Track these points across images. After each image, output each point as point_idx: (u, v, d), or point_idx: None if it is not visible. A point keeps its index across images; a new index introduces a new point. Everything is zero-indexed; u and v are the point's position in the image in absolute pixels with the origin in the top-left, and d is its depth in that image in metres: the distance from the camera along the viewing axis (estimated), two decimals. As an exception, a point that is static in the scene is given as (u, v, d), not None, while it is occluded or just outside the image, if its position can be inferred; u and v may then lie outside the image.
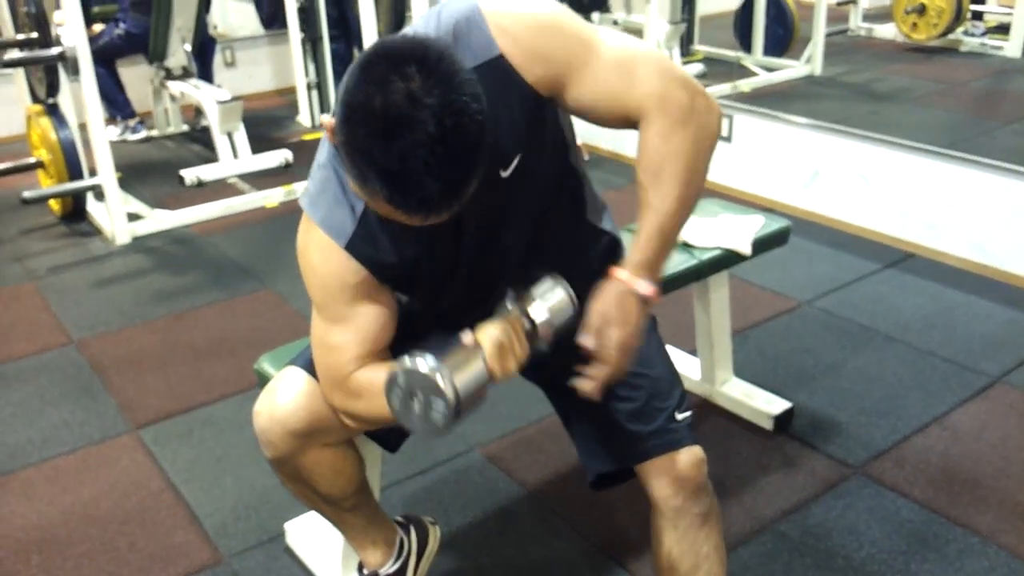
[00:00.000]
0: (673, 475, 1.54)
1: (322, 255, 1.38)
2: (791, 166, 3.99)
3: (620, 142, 4.59)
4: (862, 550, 2.07)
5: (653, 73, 1.32)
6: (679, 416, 1.56)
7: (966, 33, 6.34)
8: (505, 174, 1.34)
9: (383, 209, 1.20)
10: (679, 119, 1.31)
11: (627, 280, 1.34)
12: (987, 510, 2.17)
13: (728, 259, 2.33)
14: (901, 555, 2.05)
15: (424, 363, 1.25)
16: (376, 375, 1.39)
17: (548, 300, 1.41)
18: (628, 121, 1.34)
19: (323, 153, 1.38)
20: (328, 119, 1.21)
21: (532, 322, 1.40)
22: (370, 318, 1.42)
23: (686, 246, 2.31)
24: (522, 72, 1.30)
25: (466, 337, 1.34)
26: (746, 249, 2.31)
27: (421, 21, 1.33)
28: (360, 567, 1.83)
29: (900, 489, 2.25)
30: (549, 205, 1.49)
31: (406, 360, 1.26)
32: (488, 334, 1.35)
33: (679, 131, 1.31)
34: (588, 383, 1.37)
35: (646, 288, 1.34)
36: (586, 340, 1.35)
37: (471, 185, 1.17)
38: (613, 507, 2.19)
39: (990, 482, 2.27)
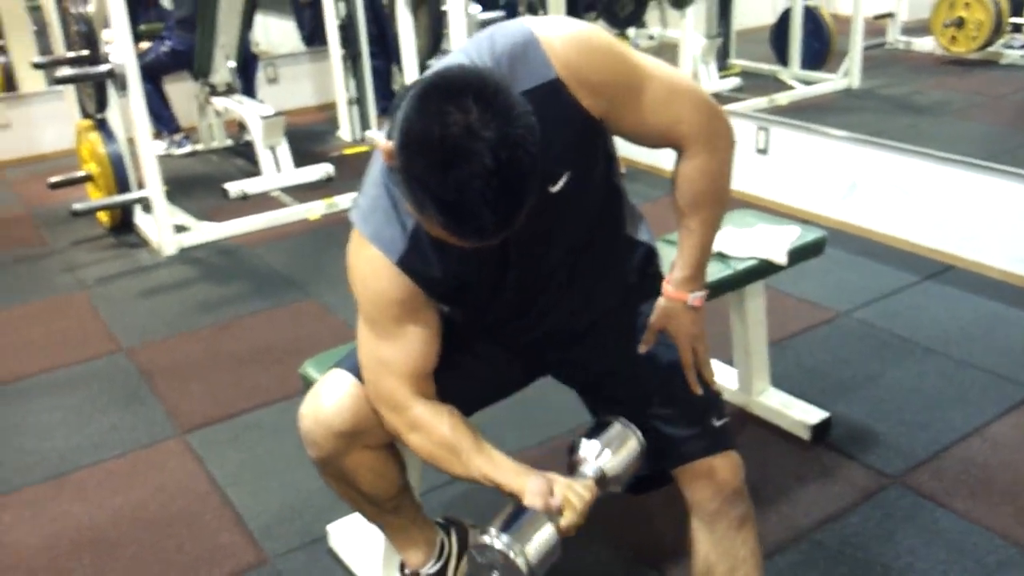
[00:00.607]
0: (711, 479, 1.56)
1: (373, 270, 1.42)
2: (828, 178, 4.00)
3: (657, 156, 4.61)
4: (900, 559, 2.07)
5: (695, 106, 1.46)
6: (716, 423, 1.59)
7: (1006, 46, 6.28)
8: (554, 190, 1.38)
9: (437, 232, 1.24)
10: (714, 150, 1.48)
11: (676, 296, 1.56)
12: (1027, 521, 2.17)
13: (764, 269, 2.35)
14: (940, 565, 2.05)
15: (499, 541, 1.33)
16: (437, 422, 1.49)
17: (620, 454, 1.48)
18: (666, 145, 1.50)
19: (375, 170, 1.42)
20: (385, 141, 1.24)
21: (603, 473, 1.46)
22: (420, 336, 1.47)
23: (722, 256, 2.33)
24: (577, 95, 1.35)
25: (548, 501, 1.39)
26: (782, 259, 2.33)
27: (472, 46, 1.36)
28: (402, 567, 1.86)
29: (939, 499, 2.25)
30: (594, 220, 1.53)
31: (484, 537, 1.35)
32: (560, 499, 1.40)
33: (713, 162, 1.49)
34: (690, 376, 1.60)
35: (698, 301, 1.56)
36: (643, 346, 1.60)
37: (524, 213, 1.21)
38: (649, 513, 2.21)
39: (1030, 493, 2.26)
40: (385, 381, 1.50)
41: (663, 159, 4.55)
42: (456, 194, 1.15)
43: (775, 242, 2.36)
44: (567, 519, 1.39)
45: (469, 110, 1.14)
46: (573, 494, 1.41)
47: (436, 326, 1.50)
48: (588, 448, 1.47)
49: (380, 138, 1.29)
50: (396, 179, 1.23)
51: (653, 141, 1.48)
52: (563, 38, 1.35)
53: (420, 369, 1.49)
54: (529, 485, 1.40)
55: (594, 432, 1.49)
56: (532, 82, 1.31)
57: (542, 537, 1.36)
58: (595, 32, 1.39)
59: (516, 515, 1.38)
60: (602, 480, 1.44)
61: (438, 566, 1.83)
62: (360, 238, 1.43)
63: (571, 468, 1.47)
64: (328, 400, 1.58)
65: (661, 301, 1.57)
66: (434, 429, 1.49)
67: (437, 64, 1.38)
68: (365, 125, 5.72)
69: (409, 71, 4.47)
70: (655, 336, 1.60)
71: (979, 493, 2.27)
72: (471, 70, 1.21)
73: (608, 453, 1.46)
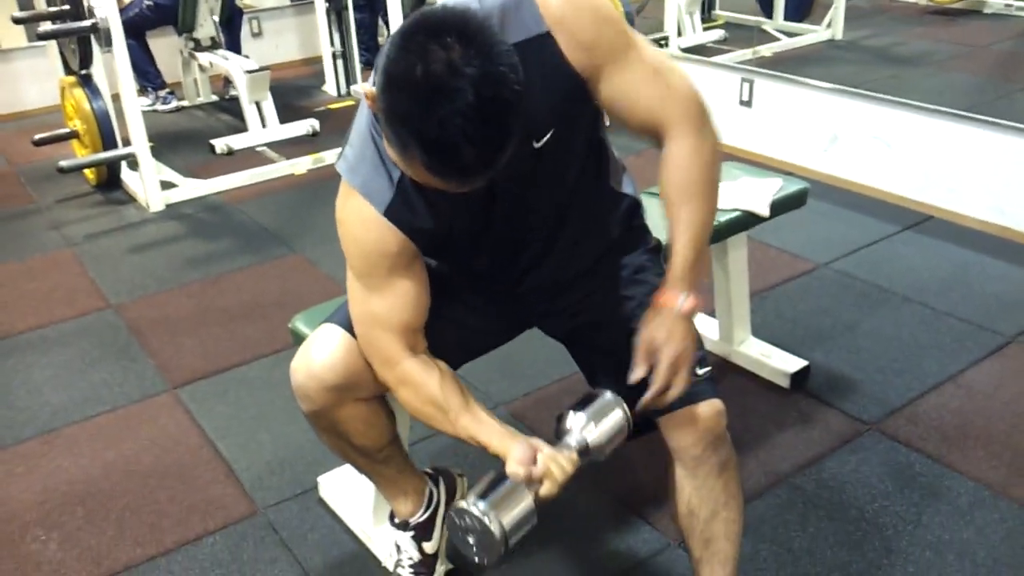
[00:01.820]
0: (694, 426, 1.58)
1: (363, 223, 1.44)
2: (811, 130, 4.02)
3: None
4: (875, 502, 2.13)
5: (683, 90, 1.44)
6: (700, 371, 1.61)
7: (990, -5, 6.29)
8: (538, 145, 1.40)
9: (421, 176, 1.25)
10: (701, 141, 1.45)
11: (669, 303, 1.45)
12: (1000, 465, 2.23)
13: (746, 221, 2.38)
14: (913, 507, 2.11)
15: (476, 508, 1.37)
16: (427, 380, 1.51)
17: (605, 427, 1.48)
18: (650, 128, 1.45)
19: (362, 120, 1.43)
20: (368, 87, 1.26)
21: (587, 445, 1.47)
22: (409, 289, 1.49)
23: (704, 209, 2.36)
24: (567, 52, 1.36)
25: (529, 470, 1.40)
26: (764, 211, 2.37)
27: None
28: (391, 516, 1.91)
29: (913, 444, 2.31)
30: (577, 174, 1.55)
31: (463, 502, 1.39)
32: (542, 470, 1.41)
33: (701, 152, 1.45)
34: (657, 399, 1.46)
35: (689, 304, 1.45)
36: (637, 372, 1.45)
37: (507, 153, 1.22)
38: (632, 460, 2.26)
39: (1003, 438, 2.32)
40: (376, 334, 1.52)
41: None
42: (438, 130, 1.15)
43: (758, 194, 2.39)
44: (546, 489, 1.41)
45: (451, 48, 1.14)
46: (555, 465, 1.42)
47: (424, 280, 1.52)
48: (575, 419, 1.48)
49: (366, 88, 1.30)
50: (380, 122, 1.24)
51: (637, 116, 1.45)
52: None
53: (410, 322, 1.51)
54: (513, 451, 1.41)
55: (582, 404, 1.51)
56: (522, 35, 1.31)
57: (519, 506, 1.39)
58: None
59: (496, 483, 1.41)
60: (585, 451, 1.47)
61: (427, 515, 1.88)
62: (348, 189, 1.45)
63: (557, 435, 1.50)
64: (319, 355, 1.61)
65: (649, 313, 1.47)
66: (424, 386, 1.52)
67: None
68: (350, 79, 5.69)
69: (395, 24, 4.44)
70: (645, 360, 1.45)
71: (953, 438, 2.33)
72: (453, 9, 1.21)
73: (593, 426, 1.48)
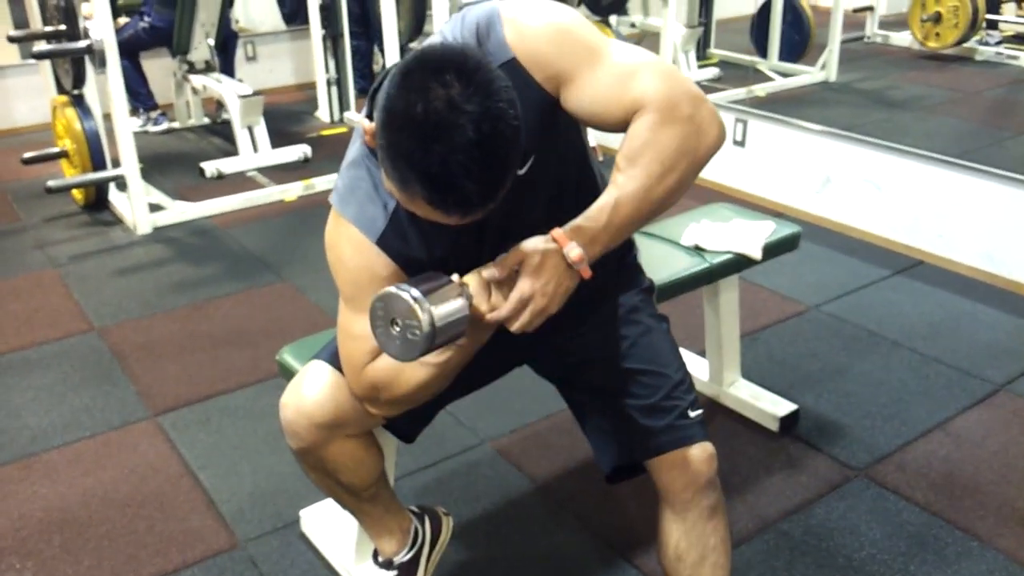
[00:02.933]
0: (685, 469, 1.58)
1: (354, 249, 1.43)
2: (804, 171, 4.03)
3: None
4: (863, 551, 2.11)
5: (655, 76, 1.32)
6: (692, 414, 1.61)
7: (981, 42, 6.35)
8: (521, 172, 1.39)
9: (422, 210, 1.24)
10: (672, 118, 1.30)
11: (559, 238, 1.32)
12: (987, 515, 2.21)
13: (739, 263, 2.37)
14: (901, 556, 2.09)
15: (407, 292, 1.28)
16: (388, 360, 1.41)
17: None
18: (625, 123, 1.34)
19: (354, 151, 1.43)
20: (366, 122, 1.26)
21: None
22: None
23: (698, 249, 2.36)
24: (532, 74, 1.35)
25: (455, 277, 1.36)
26: (757, 254, 2.36)
27: (448, 25, 1.39)
28: (375, 555, 1.88)
29: (902, 492, 2.30)
30: (565, 204, 1.53)
31: (391, 288, 1.29)
32: (476, 275, 1.37)
33: (668, 127, 1.30)
34: (487, 305, 1.36)
35: (576, 254, 1.31)
36: (486, 272, 1.35)
37: (507, 186, 1.23)
38: (620, 502, 2.24)
39: (991, 488, 2.31)
40: (353, 347, 1.47)
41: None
42: (440, 167, 1.16)
43: (751, 237, 2.39)
44: (475, 288, 1.35)
45: (451, 85, 1.15)
46: (486, 270, 1.36)
47: None
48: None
49: (360, 119, 1.29)
50: (379, 157, 1.24)
51: (614, 117, 1.34)
52: (523, 16, 1.35)
53: None
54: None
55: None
56: (494, 62, 1.29)
57: (452, 305, 1.31)
58: (558, 11, 1.37)
59: (429, 279, 1.33)
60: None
61: (411, 554, 1.85)
62: (339, 218, 1.44)
63: None
64: (310, 391, 1.59)
65: (537, 239, 1.34)
66: (393, 366, 1.42)
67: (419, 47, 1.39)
68: (344, 106, 5.70)
69: (391, 52, 4.44)
70: (508, 264, 1.34)
71: (941, 487, 2.31)
72: (451, 47, 1.23)
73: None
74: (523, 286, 1.32)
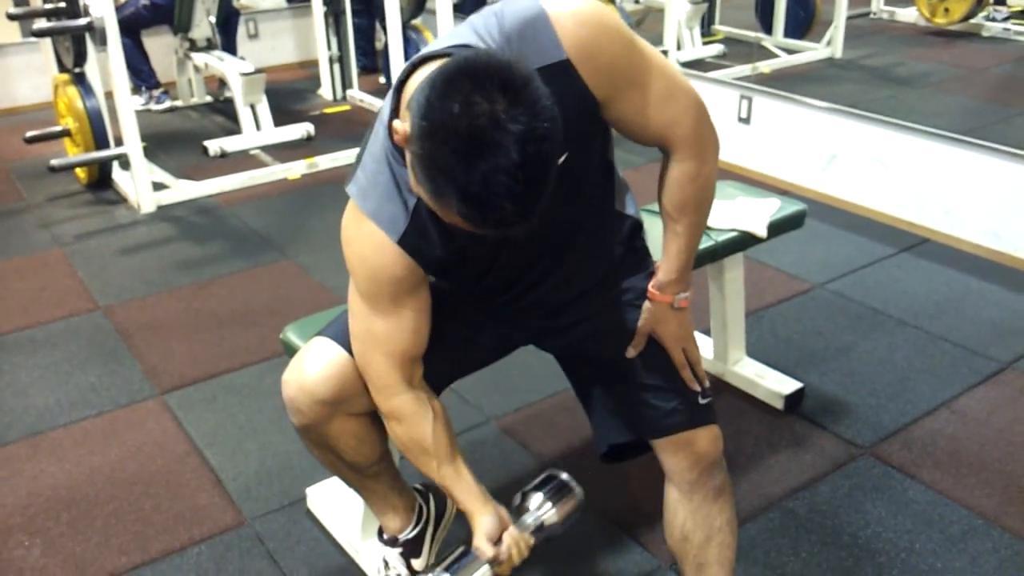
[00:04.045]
0: (691, 451, 1.58)
1: (373, 246, 1.41)
2: (809, 149, 4.01)
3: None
4: (868, 528, 2.12)
5: (691, 109, 1.46)
6: (702, 400, 1.62)
7: (988, 18, 6.30)
8: None
9: (452, 219, 1.22)
10: (703, 158, 1.50)
11: (661, 299, 1.58)
12: (993, 493, 2.22)
13: (744, 241, 2.37)
14: (906, 534, 2.10)
15: None
16: (420, 420, 1.55)
17: (562, 509, 1.61)
18: (657, 144, 1.50)
19: (376, 145, 1.40)
20: (398, 123, 1.22)
21: (543, 525, 1.59)
22: (412, 318, 1.48)
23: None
24: (586, 77, 1.33)
25: (495, 551, 1.52)
26: (762, 232, 2.35)
27: (480, 21, 1.34)
28: (380, 532, 1.89)
29: (907, 470, 2.30)
30: (588, 196, 1.54)
31: (429, 575, 1.54)
32: (505, 552, 1.52)
33: (702, 171, 1.50)
34: (686, 375, 1.62)
35: (681, 300, 1.58)
36: (632, 349, 1.61)
37: (543, 205, 1.20)
38: (625, 481, 2.25)
39: (996, 465, 2.31)
40: (374, 356, 1.51)
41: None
42: (481, 186, 1.13)
43: (756, 214, 2.38)
44: (502, 570, 1.53)
45: (496, 100, 1.12)
46: (516, 550, 1.52)
47: (428, 308, 1.51)
48: (533, 500, 1.60)
49: (396, 120, 1.26)
50: (411, 163, 1.21)
51: (647, 136, 1.47)
52: (575, 16, 1.32)
53: (409, 350, 1.50)
54: (483, 524, 1.52)
55: (540, 485, 1.62)
56: (541, 61, 1.28)
57: None
58: (606, 13, 1.37)
59: (461, 557, 1.55)
60: (539, 530, 1.57)
61: (416, 531, 1.86)
62: (358, 212, 1.42)
63: (516, 512, 1.59)
64: (312, 368, 1.59)
65: (647, 305, 1.58)
66: (416, 426, 1.54)
67: (445, 38, 1.37)
68: (347, 84, 5.67)
69: (392, 30, 4.42)
70: (644, 340, 1.60)
71: (946, 465, 2.32)
72: (497, 57, 1.19)
73: (549, 506, 1.59)
74: (672, 344, 1.61)
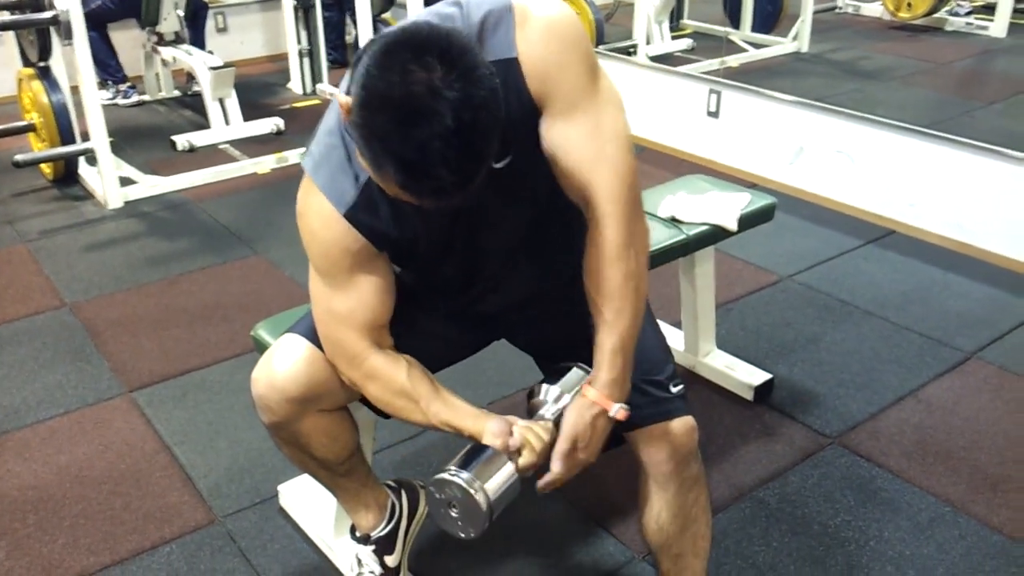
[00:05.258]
0: (667, 441, 1.58)
1: (322, 219, 1.41)
2: (776, 142, 4.04)
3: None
4: (837, 517, 2.14)
5: (620, 174, 1.37)
6: (673, 388, 1.61)
7: (951, 12, 6.38)
8: (498, 166, 1.36)
9: (393, 191, 1.23)
10: (631, 233, 1.39)
11: (601, 403, 1.42)
12: (959, 481, 2.25)
13: (714, 235, 2.38)
14: (875, 523, 2.12)
15: (458, 476, 1.36)
16: (394, 372, 1.50)
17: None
18: (580, 198, 1.40)
19: (331, 119, 1.40)
20: (343, 97, 1.23)
21: (561, 413, 1.47)
22: (372, 287, 1.46)
23: (674, 221, 2.36)
24: (528, 82, 1.33)
25: (505, 441, 1.41)
26: (732, 225, 2.37)
27: (444, 6, 1.34)
28: (352, 529, 1.88)
29: (875, 459, 2.33)
30: (545, 196, 1.52)
31: (443, 474, 1.37)
32: (519, 440, 1.42)
33: (628, 250, 1.39)
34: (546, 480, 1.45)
35: (621, 414, 1.43)
36: (555, 464, 1.42)
37: (482, 175, 1.20)
38: (599, 473, 2.24)
39: (963, 454, 2.34)
40: (340, 333, 1.50)
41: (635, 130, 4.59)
42: (416, 153, 1.14)
43: (726, 208, 2.39)
44: (525, 459, 1.41)
45: (433, 68, 1.12)
46: (532, 435, 1.42)
47: (389, 277, 1.49)
48: (548, 392, 1.49)
49: (338, 93, 1.27)
50: (353, 134, 1.22)
51: (571, 178, 1.39)
52: (536, 17, 1.32)
53: (375, 319, 1.49)
54: (489, 426, 1.42)
55: (554, 377, 1.52)
56: (493, 55, 1.28)
57: (502, 475, 1.38)
58: (572, 24, 1.35)
59: (475, 453, 1.40)
60: (559, 422, 1.46)
61: (388, 528, 1.85)
62: (310, 185, 1.42)
63: (530, 412, 1.50)
64: (281, 365, 1.58)
65: (580, 402, 1.43)
66: (392, 378, 1.50)
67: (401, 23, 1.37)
68: (317, 78, 5.63)
69: (363, 23, 4.40)
70: (564, 461, 1.43)
71: (913, 453, 2.35)
72: (437, 29, 1.19)
73: (567, 397, 1.48)
74: (581, 459, 1.44)
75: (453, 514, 1.39)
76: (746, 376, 2.59)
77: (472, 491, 1.35)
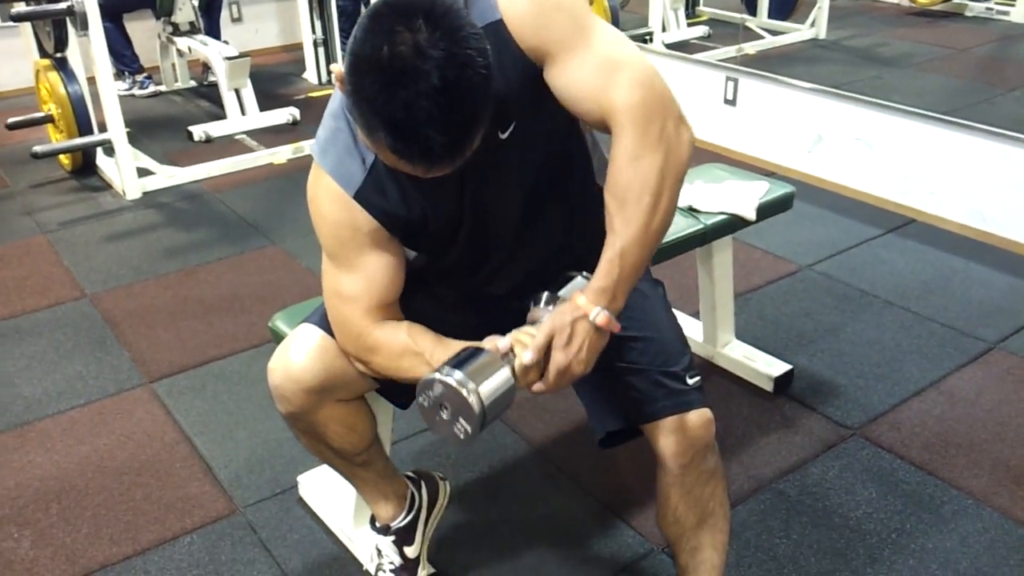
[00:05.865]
0: (683, 435, 1.57)
1: (332, 203, 1.42)
2: (795, 130, 4.01)
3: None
4: (858, 509, 2.13)
5: (635, 82, 1.30)
6: (690, 380, 1.59)
7: (972, -3, 6.32)
8: (503, 136, 1.37)
9: (389, 159, 1.25)
10: (650, 141, 1.29)
11: (583, 307, 1.34)
12: (981, 473, 2.23)
13: (733, 224, 2.37)
14: (896, 515, 2.11)
15: (450, 377, 1.29)
16: (395, 336, 1.47)
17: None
18: (601, 123, 1.33)
19: (335, 102, 1.42)
20: (338, 68, 1.25)
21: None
22: (380, 267, 1.46)
23: (692, 210, 2.35)
24: (517, 39, 1.33)
25: (496, 343, 1.36)
26: (751, 215, 2.35)
27: None
28: (372, 520, 1.88)
29: (896, 451, 2.31)
30: (554, 170, 1.52)
31: (433, 374, 1.31)
32: (519, 342, 1.37)
33: (648, 155, 1.29)
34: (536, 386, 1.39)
35: (602, 318, 1.33)
36: (526, 356, 1.35)
37: (474, 139, 1.21)
38: (617, 465, 2.25)
39: (985, 446, 2.32)
40: (347, 312, 1.49)
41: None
42: (403, 113, 1.15)
43: (744, 197, 2.38)
44: (521, 358, 1.35)
45: (418, 30, 1.14)
46: (524, 335, 1.38)
47: (400, 258, 1.49)
48: (545, 298, 1.46)
49: (337, 68, 1.28)
50: (347, 103, 1.23)
51: (588, 108, 1.34)
52: None
53: (383, 298, 1.48)
54: (487, 341, 1.39)
55: (556, 286, 1.47)
56: (480, 21, 1.27)
57: (496, 378, 1.32)
58: None
59: (468, 355, 1.34)
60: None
61: (408, 519, 1.85)
62: (318, 169, 1.43)
63: (531, 322, 1.46)
64: (297, 355, 1.58)
65: (564, 305, 1.37)
66: (393, 342, 1.47)
67: None
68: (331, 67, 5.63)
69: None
70: (539, 353, 1.35)
71: (935, 446, 2.33)
72: None
73: (562, 303, 1.41)
74: (559, 359, 1.34)
75: (444, 417, 1.32)
76: (765, 367, 2.58)
77: (465, 392, 1.27)
